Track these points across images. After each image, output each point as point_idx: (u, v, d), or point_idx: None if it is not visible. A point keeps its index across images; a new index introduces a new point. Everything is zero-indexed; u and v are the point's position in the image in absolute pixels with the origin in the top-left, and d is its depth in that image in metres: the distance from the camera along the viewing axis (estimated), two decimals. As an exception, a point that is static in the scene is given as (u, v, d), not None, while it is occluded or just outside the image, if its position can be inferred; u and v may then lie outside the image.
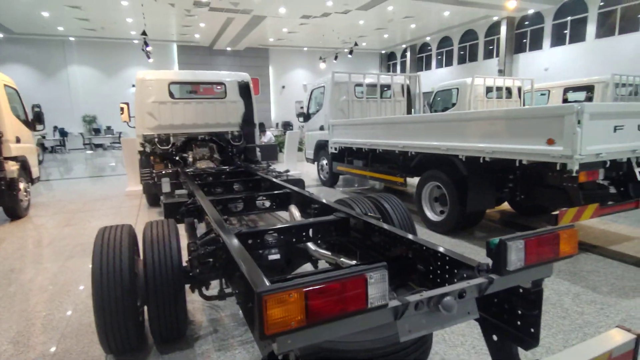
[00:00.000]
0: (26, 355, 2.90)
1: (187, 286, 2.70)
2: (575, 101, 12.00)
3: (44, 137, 20.90)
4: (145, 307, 2.64)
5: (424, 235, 5.51)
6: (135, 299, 2.54)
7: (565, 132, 3.86)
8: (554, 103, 12.63)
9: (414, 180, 6.61)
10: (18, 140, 7.30)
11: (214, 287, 2.82)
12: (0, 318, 3.48)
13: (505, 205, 6.62)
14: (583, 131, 3.77)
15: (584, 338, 2.88)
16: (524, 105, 12.50)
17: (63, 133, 25.83)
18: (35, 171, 7.98)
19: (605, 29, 19.58)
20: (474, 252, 4.75)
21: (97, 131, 27.44)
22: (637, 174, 4.42)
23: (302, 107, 11.12)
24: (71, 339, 3.10)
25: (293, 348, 1.27)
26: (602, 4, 19.52)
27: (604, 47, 19.52)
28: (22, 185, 7.19)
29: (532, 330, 1.73)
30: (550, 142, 4.01)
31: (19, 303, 3.78)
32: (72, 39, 26.04)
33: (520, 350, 1.86)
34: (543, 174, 4.51)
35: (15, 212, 7.09)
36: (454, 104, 12.74)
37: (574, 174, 3.93)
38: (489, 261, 1.70)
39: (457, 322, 1.61)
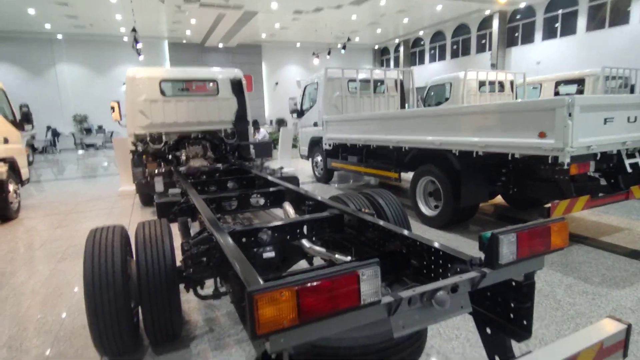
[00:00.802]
0: (20, 359, 2.88)
1: (181, 286, 2.69)
2: (566, 94, 12.07)
3: (33, 138, 20.67)
4: (140, 308, 2.63)
5: (419, 230, 5.53)
6: (129, 300, 2.52)
7: (557, 125, 3.88)
8: (546, 96, 12.71)
9: (408, 176, 6.62)
10: (6, 141, 7.22)
11: (209, 286, 2.81)
12: (-7, 321, 3.45)
13: (499, 199, 6.66)
14: (574, 124, 3.80)
15: (576, 328, 2.91)
16: (516, 99, 12.56)
17: (55, 133, 25.55)
18: (25, 172, 7.90)
19: (596, 22, 19.69)
20: (469, 246, 4.78)
21: (88, 131, 27.18)
22: (627, 165, 4.46)
23: (295, 104, 11.08)
24: (65, 341, 3.08)
25: (286, 347, 1.27)
26: (592, -4, 19.64)
27: (594, 40, 19.64)
28: (11, 187, 7.11)
29: (525, 322, 1.74)
30: (542, 135, 4.03)
31: (11, 306, 3.75)
32: (60, 36, 25.69)
33: (514, 342, 1.88)
34: (535, 167, 4.53)
35: (5, 214, 7.01)
36: (447, 99, 12.77)
37: (566, 167, 3.95)
38: (482, 255, 1.70)
39: (450, 317, 1.62)
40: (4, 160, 6.96)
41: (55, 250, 5.32)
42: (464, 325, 2.99)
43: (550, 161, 4.06)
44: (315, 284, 1.22)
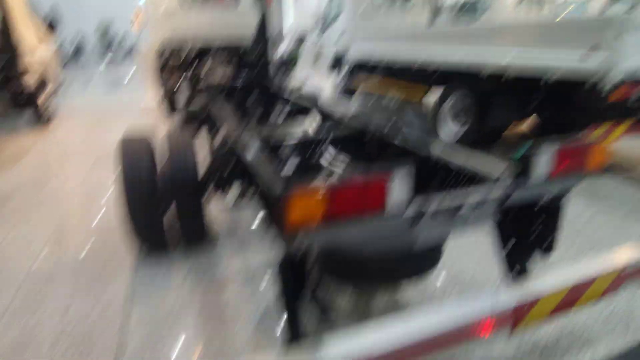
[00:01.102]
0: (61, 254, 3.11)
1: (207, 193, 2.78)
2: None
3: (58, 48, 20.48)
4: (169, 212, 2.75)
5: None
6: (158, 206, 2.65)
7: (607, 41, 3.57)
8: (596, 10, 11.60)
9: (430, 99, 6.37)
10: (36, 49, 7.18)
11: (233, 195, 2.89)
12: (33, 223, 3.68)
13: (527, 124, 6.40)
14: (627, 41, 3.48)
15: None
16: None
17: (79, 46, 25.26)
18: (54, 81, 7.96)
19: None
20: (493, 168, 4.69)
21: (110, 44, 26.80)
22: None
23: (318, 19, 10.57)
24: (103, 241, 3.28)
25: (311, 246, 1.31)
26: None
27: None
28: (43, 95, 7.20)
29: (549, 240, 1.73)
30: (590, 51, 3.72)
31: (49, 210, 3.97)
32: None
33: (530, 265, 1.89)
34: (574, 89, 4.24)
35: (38, 122, 7.21)
36: (484, 11, 11.82)
37: (610, 89, 3.69)
38: (511, 174, 1.65)
39: (473, 230, 1.62)
40: (35, 69, 6.96)
41: (87, 159, 5.52)
42: (480, 241, 3.02)
43: (592, 83, 3.80)
44: (344, 186, 1.22)
